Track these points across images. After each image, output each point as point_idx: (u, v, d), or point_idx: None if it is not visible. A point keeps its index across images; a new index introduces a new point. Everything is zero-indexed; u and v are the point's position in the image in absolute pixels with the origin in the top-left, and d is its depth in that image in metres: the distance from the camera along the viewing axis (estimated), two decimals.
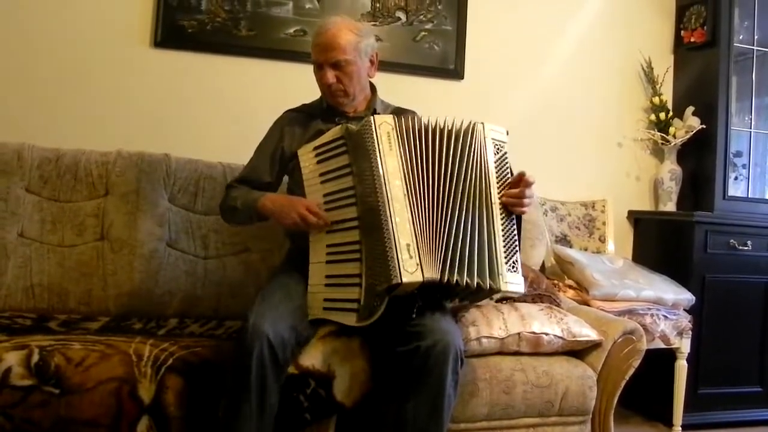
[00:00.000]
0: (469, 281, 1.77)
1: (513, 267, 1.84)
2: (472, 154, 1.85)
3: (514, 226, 1.89)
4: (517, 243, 1.88)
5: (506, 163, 1.92)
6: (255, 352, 1.69)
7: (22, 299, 2.29)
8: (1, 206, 2.33)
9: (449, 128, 1.85)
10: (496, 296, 1.92)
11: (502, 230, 1.84)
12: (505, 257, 1.82)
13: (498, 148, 1.91)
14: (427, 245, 1.76)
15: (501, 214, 1.86)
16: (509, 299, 2.21)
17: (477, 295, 1.91)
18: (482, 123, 1.89)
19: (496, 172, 1.88)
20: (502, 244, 1.83)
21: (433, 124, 1.85)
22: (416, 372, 1.76)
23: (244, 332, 1.73)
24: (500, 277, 1.80)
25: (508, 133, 1.95)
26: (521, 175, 1.88)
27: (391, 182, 1.77)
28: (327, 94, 2.11)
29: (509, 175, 1.91)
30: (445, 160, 1.83)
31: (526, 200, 1.88)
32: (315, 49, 2.08)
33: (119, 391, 1.76)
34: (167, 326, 2.24)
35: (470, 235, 1.79)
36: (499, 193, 1.87)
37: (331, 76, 2.05)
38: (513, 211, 1.89)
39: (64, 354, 1.79)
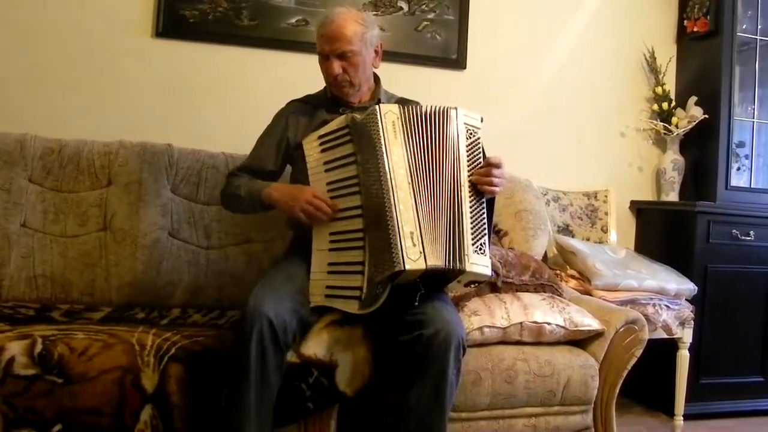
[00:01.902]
0: (447, 265, 1.77)
1: (480, 249, 1.83)
2: (448, 137, 1.85)
3: (484, 209, 1.89)
4: (485, 225, 1.87)
5: (478, 148, 1.91)
6: (255, 333, 1.69)
7: (25, 289, 2.29)
8: (4, 197, 2.33)
9: (431, 113, 1.86)
10: (465, 279, 1.90)
11: (471, 211, 1.83)
12: (473, 239, 1.81)
13: (471, 133, 1.91)
14: (430, 233, 1.76)
15: (470, 195, 1.85)
16: (477, 283, 2.19)
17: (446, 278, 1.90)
18: (455, 108, 1.89)
19: (468, 157, 1.88)
20: (470, 225, 1.82)
21: (424, 111, 1.85)
22: (419, 360, 1.76)
23: (244, 315, 1.72)
24: (466, 258, 1.79)
25: (482, 120, 1.94)
26: (489, 159, 1.89)
27: (396, 171, 1.78)
28: (332, 84, 2.11)
29: (481, 161, 1.90)
30: (436, 146, 1.83)
31: (495, 179, 1.87)
32: (321, 39, 2.07)
33: (122, 380, 1.76)
34: (170, 316, 2.24)
35: (445, 217, 1.80)
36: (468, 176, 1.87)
37: (337, 66, 2.05)
38: (483, 191, 1.88)
39: (67, 344, 1.79)
